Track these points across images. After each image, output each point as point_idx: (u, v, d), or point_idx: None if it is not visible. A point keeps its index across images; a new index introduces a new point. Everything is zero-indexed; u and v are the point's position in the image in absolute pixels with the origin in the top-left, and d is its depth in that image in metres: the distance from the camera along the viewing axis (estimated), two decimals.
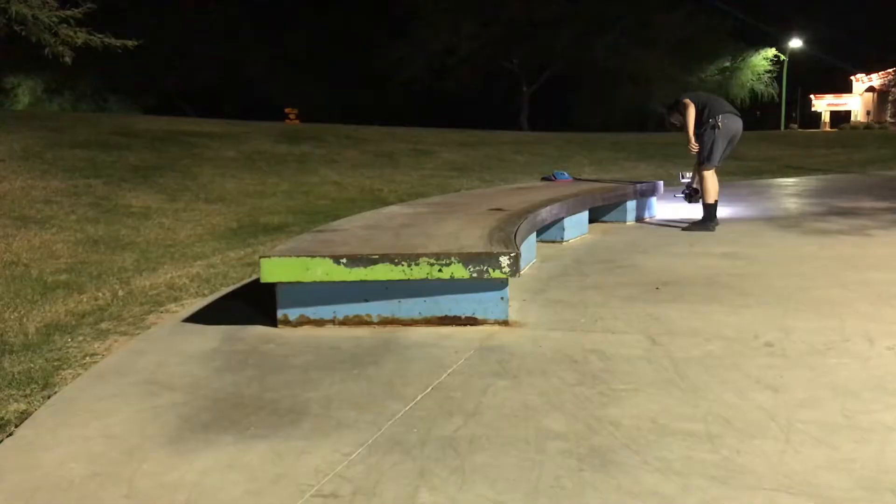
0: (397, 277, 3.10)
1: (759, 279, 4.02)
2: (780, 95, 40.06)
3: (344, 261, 3.08)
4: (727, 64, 39.61)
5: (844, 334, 2.96)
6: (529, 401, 2.34)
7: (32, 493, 1.83)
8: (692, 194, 6.38)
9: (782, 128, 38.06)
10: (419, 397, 2.39)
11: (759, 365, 2.62)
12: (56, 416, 2.32)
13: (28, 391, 2.55)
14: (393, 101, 38.17)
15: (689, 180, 6.58)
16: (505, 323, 3.18)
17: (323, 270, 3.09)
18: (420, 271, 3.09)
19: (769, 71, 39.73)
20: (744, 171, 12.96)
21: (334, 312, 3.21)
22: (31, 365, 2.83)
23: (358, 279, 3.10)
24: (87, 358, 2.92)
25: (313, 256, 3.12)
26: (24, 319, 3.49)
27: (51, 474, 1.92)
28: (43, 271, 4.50)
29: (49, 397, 2.49)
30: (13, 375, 2.71)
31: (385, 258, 3.09)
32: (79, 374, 2.72)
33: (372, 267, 3.09)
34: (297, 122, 26.32)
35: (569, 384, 2.48)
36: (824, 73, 45.45)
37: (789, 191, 9.67)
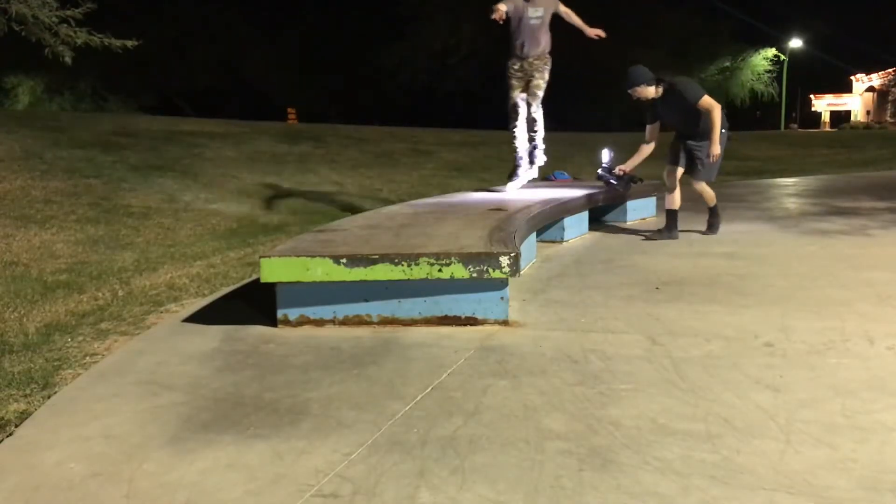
0: (397, 277, 3.10)
1: (760, 279, 4.02)
2: (780, 95, 40.11)
3: (344, 261, 3.08)
4: (727, 64, 39.65)
5: (844, 334, 2.96)
6: (529, 401, 2.34)
7: (32, 493, 1.83)
8: (628, 181, 5.81)
9: (782, 128, 38.11)
10: (419, 397, 2.39)
11: (759, 365, 2.62)
12: (56, 416, 2.32)
13: (28, 391, 2.55)
14: (393, 101, 38.15)
15: (609, 163, 5.86)
16: (505, 323, 3.18)
17: (323, 270, 3.09)
18: (420, 271, 3.09)
19: (769, 71, 39.77)
20: (744, 171, 12.98)
21: (334, 312, 3.21)
22: (31, 365, 2.83)
23: (358, 279, 3.10)
24: (87, 358, 2.92)
25: (313, 256, 3.12)
26: (24, 319, 3.49)
27: (51, 474, 1.92)
28: (43, 271, 4.50)
29: (49, 397, 2.49)
30: (13, 375, 2.71)
31: (385, 258, 3.09)
32: (79, 374, 2.72)
33: (372, 267, 3.09)
34: (295, 122, 26.28)
35: (569, 384, 2.48)
36: (824, 73, 45.50)
37: (789, 191, 9.67)
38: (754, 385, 2.42)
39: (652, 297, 3.65)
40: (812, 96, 47.58)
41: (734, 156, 15.85)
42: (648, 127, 5.45)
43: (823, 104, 47.39)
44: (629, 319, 3.26)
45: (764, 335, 2.96)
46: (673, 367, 2.62)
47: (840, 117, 45.03)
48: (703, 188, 5.39)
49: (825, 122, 45.81)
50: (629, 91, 5.30)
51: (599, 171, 5.90)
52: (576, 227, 5.57)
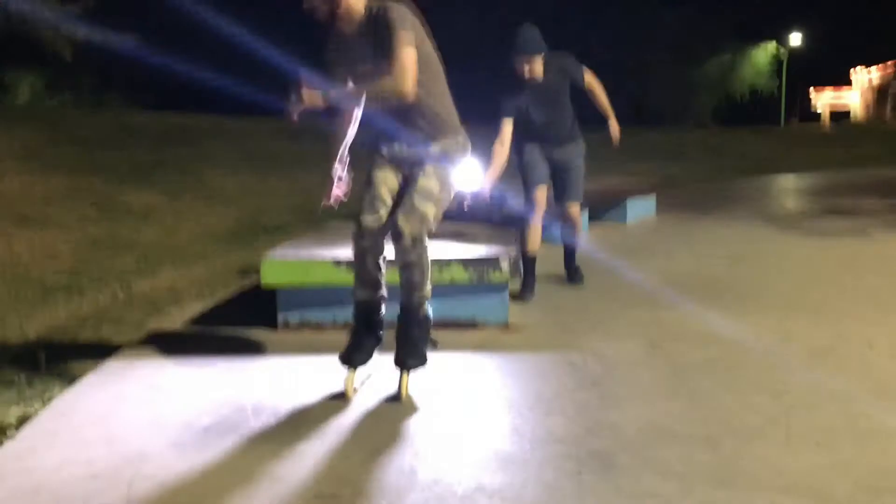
0: (397, 281, 3.09)
1: (760, 282, 4.02)
2: (780, 90, 40.04)
3: (344, 264, 3.08)
4: (728, 59, 39.54)
5: (844, 338, 2.96)
6: (529, 404, 2.34)
7: (33, 496, 1.83)
8: (500, 203, 4.14)
9: (782, 123, 38.04)
10: (419, 399, 2.39)
11: (759, 368, 2.62)
12: (56, 420, 2.32)
13: (28, 395, 2.55)
14: None
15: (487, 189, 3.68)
16: (505, 326, 3.18)
17: (323, 274, 3.09)
18: None
19: (769, 66, 39.68)
20: (742, 168, 12.96)
21: (334, 316, 3.20)
22: (32, 368, 2.83)
23: None
24: (88, 361, 2.92)
25: (314, 260, 3.12)
26: (25, 322, 3.49)
27: (51, 477, 1.92)
28: (43, 272, 4.49)
29: (49, 401, 2.49)
30: (13, 379, 2.71)
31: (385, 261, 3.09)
32: (79, 378, 2.72)
33: None
34: (295, 121, 26.22)
35: (568, 388, 2.48)
36: (825, 68, 45.44)
37: (789, 190, 9.67)
38: (754, 389, 2.42)
39: (652, 301, 3.66)
40: (812, 91, 47.54)
41: (733, 153, 15.83)
42: (507, 120, 3.81)
43: (823, 99, 47.36)
44: (629, 323, 3.26)
45: (764, 339, 2.97)
46: (673, 370, 2.62)
47: (840, 112, 45.01)
48: (580, 225, 4.05)
49: (825, 118, 45.76)
50: (521, 58, 3.71)
51: (470, 199, 3.56)
52: None
